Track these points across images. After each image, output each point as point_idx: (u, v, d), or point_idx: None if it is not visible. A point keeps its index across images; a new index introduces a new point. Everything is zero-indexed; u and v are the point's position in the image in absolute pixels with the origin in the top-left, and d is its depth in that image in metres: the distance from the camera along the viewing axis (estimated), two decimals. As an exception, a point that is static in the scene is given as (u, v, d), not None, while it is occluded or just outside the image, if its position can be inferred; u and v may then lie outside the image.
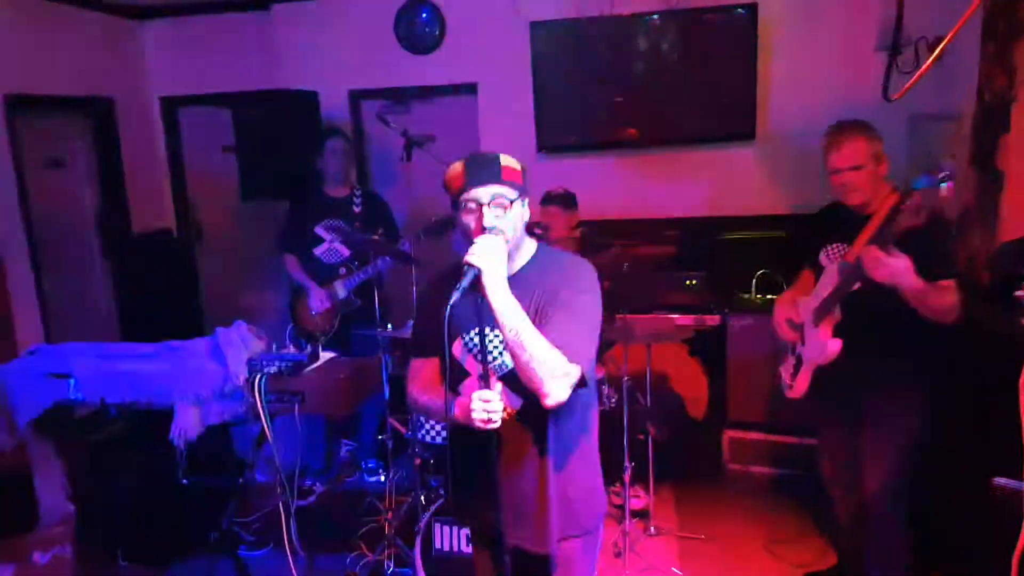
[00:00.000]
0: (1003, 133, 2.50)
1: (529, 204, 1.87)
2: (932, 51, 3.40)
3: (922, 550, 2.87)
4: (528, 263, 1.86)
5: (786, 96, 4.40)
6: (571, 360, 1.69)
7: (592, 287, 1.82)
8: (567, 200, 3.63)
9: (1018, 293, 1.13)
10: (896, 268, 2.15)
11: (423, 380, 1.97)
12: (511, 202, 1.76)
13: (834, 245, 2.56)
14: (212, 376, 2.44)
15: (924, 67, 1.41)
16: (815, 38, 4.32)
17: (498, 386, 1.78)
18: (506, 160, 1.78)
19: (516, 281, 1.77)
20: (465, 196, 1.77)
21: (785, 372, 2.78)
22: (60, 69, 4.59)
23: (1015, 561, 1.19)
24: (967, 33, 2.75)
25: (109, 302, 5.12)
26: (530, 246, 1.89)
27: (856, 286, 2.33)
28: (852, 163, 2.41)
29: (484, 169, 1.77)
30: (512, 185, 1.77)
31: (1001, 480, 1.39)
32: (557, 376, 1.67)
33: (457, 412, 1.81)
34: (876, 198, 2.42)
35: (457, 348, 1.90)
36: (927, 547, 2.92)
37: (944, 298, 2.26)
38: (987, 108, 2.54)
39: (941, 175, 1.95)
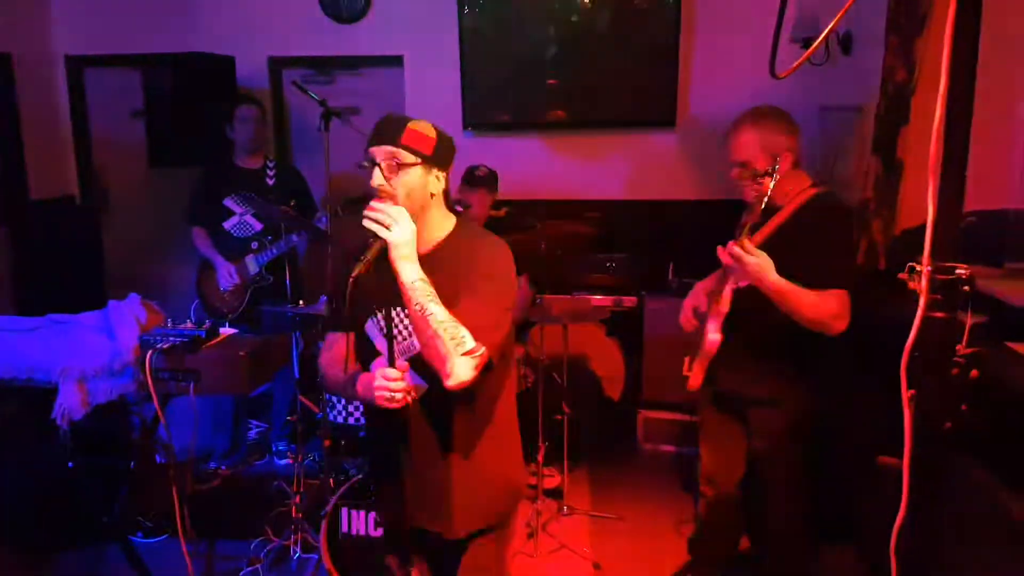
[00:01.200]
0: (903, 124, 2.57)
1: (450, 179, 1.81)
2: (843, 46, 3.51)
3: (814, 526, 2.98)
4: (444, 242, 1.81)
5: (706, 84, 4.47)
6: (476, 340, 1.64)
7: (504, 271, 1.77)
8: (489, 181, 3.58)
9: (900, 276, 1.14)
10: (750, 264, 2.06)
11: (333, 354, 1.92)
12: (401, 165, 1.69)
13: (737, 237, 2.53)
14: (99, 352, 2.29)
15: (812, 48, 1.42)
16: (736, 27, 4.39)
17: (403, 363, 1.73)
18: (417, 124, 1.72)
19: (430, 260, 1.73)
20: (365, 154, 1.73)
21: (687, 361, 2.70)
22: (-53, 19, 4.24)
23: (894, 534, 1.22)
24: (876, 28, 2.83)
25: (4, 272, 4.80)
26: (446, 222, 1.83)
27: (737, 284, 2.24)
28: (739, 158, 2.29)
29: (386, 129, 1.73)
30: (412, 150, 1.70)
31: (885, 458, 1.42)
32: (460, 354, 1.62)
33: (359, 389, 1.77)
34: (781, 193, 2.27)
35: (370, 326, 1.85)
36: (819, 524, 3.03)
37: (818, 307, 2.15)
38: (889, 100, 2.62)
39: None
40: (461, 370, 1.62)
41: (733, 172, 2.31)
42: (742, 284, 2.26)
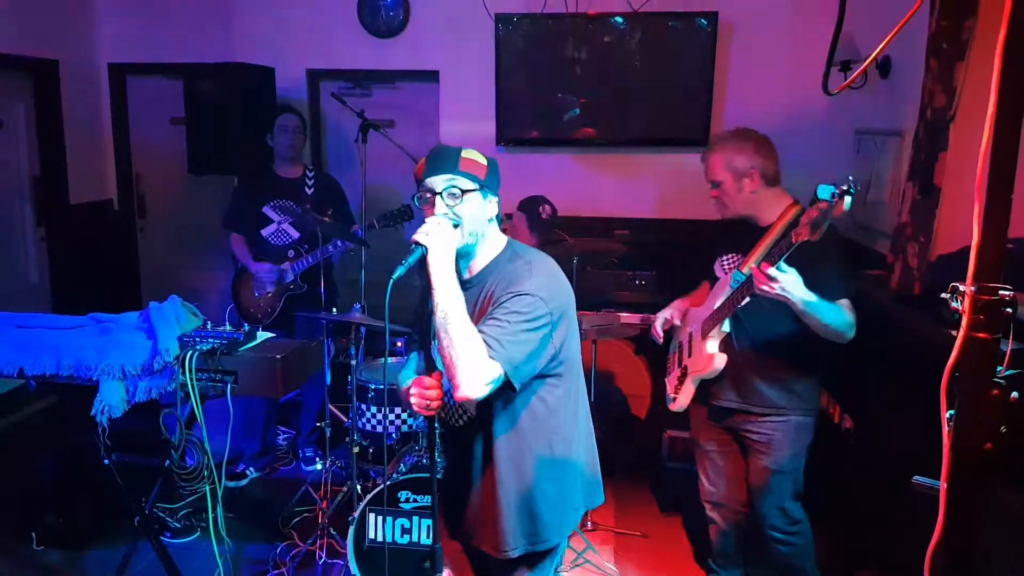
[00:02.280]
0: (942, 151, 2.56)
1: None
2: (881, 70, 3.51)
3: (846, 548, 2.94)
4: (490, 263, 1.83)
5: (740, 106, 4.48)
6: (493, 357, 1.65)
7: (535, 288, 1.72)
8: (549, 227, 3.58)
9: (943, 296, 1.15)
10: (785, 283, 2.07)
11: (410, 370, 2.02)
12: (464, 192, 1.74)
13: (729, 256, 2.53)
14: (140, 351, 2.34)
15: (864, 65, 1.43)
16: (771, 51, 4.41)
17: (437, 373, 1.77)
18: (468, 153, 1.78)
19: (479, 280, 1.81)
20: (422, 186, 1.78)
21: (670, 384, 2.73)
22: (1, 24, 4.38)
23: (928, 558, 1.22)
24: (915, 53, 2.83)
25: (42, 274, 4.92)
26: (498, 242, 1.86)
27: (744, 301, 2.26)
28: (709, 178, 2.44)
29: (441, 159, 1.78)
30: (469, 176, 1.76)
31: (920, 479, 1.41)
32: (471, 368, 1.63)
33: (404, 396, 1.85)
34: (769, 211, 2.38)
35: (435, 350, 1.87)
36: (851, 545, 3.00)
37: (841, 317, 2.21)
38: (928, 125, 2.61)
39: (842, 187, 1.83)
40: (470, 384, 1.63)
41: (710, 192, 2.47)
42: (742, 304, 2.29)
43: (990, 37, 2.34)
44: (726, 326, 2.40)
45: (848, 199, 1.83)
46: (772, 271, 2.06)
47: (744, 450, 2.60)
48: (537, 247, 3.52)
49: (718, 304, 2.40)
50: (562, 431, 1.86)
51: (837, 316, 2.21)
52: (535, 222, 3.50)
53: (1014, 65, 0.95)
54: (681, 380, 2.63)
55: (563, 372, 1.83)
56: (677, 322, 2.71)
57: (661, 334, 2.72)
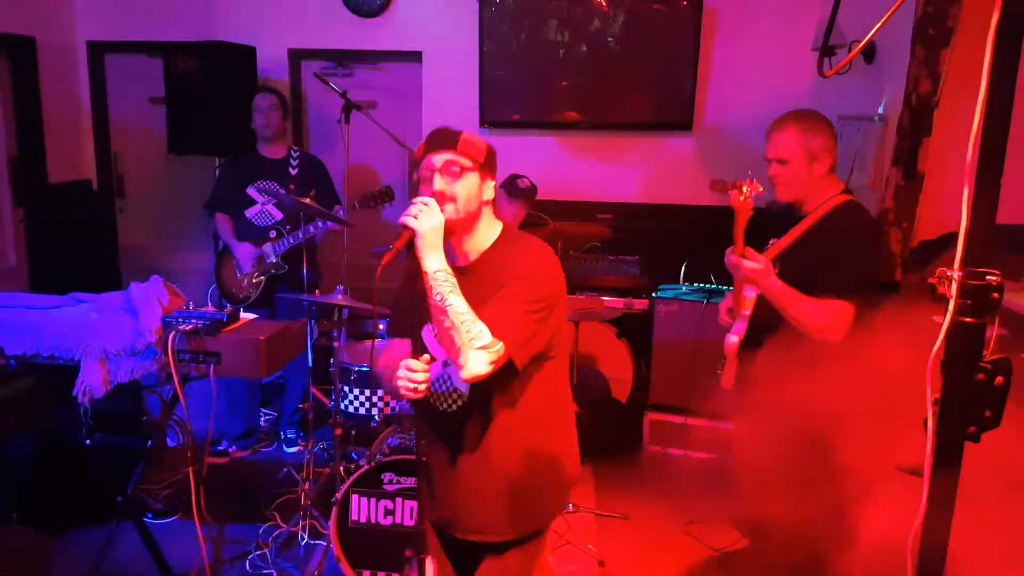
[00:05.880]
0: (925, 137, 2.58)
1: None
2: (866, 56, 3.52)
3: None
4: (491, 249, 1.83)
5: (724, 91, 4.50)
6: (496, 338, 1.65)
7: (539, 271, 1.75)
8: (530, 195, 3.59)
9: (931, 280, 1.16)
10: (747, 271, 2.14)
11: (387, 354, 1.96)
12: (462, 170, 1.75)
13: (773, 241, 2.47)
14: (122, 331, 2.31)
15: (857, 49, 1.43)
16: (755, 36, 4.41)
17: (425, 357, 1.74)
18: (469, 136, 1.79)
19: (477, 267, 1.80)
20: (422, 164, 1.78)
21: (720, 364, 2.71)
22: (-25, 1, 4.28)
23: (910, 541, 1.24)
24: (899, 40, 2.85)
25: (19, 255, 4.83)
26: (493, 228, 1.85)
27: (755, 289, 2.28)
28: (777, 155, 2.29)
29: (442, 138, 1.79)
30: (468, 156, 1.77)
31: (904, 466, 1.44)
32: (475, 347, 1.63)
33: (385, 380, 1.84)
34: (813, 197, 2.29)
35: (426, 333, 1.88)
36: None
37: (811, 315, 2.15)
38: (912, 111, 2.63)
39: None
40: (474, 364, 1.63)
41: (771, 169, 2.31)
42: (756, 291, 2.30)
43: (975, 23, 2.35)
44: (748, 310, 2.38)
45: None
46: (732, 258, 2.17)
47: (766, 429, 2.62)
48: (520, 218, 3.55)
49: (738, 288, 2.41)
50: (555, 412, 1.90)
51: (809, 315, 2.17)
52: (514, 191, 3.51)
53: (1005, 50, 0.96)
54: (723, 361, 2.63)
55: (556, 355, 1.85)
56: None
57: (729, 321, 2.67)
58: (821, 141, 2.25)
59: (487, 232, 1.84)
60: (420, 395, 1.73)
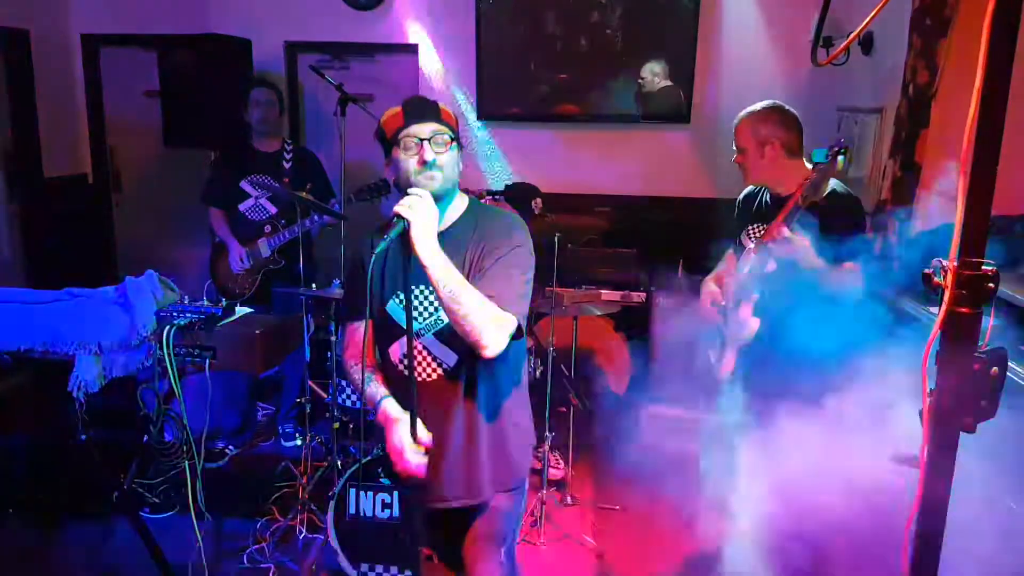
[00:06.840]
0: (923, 128, 2.58)
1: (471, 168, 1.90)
2: (863, 46, 3.51)
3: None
4: (460, 218, 1.88)
5: (722, 83, 4.48)
6: (504, 309, 1.73)
7: (524, 241, 1.84)
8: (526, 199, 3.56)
9: (926, 271, 1.15)
10: (794, 248, 2.20)
11: (355, 345, 1.96)
12: (450, 140, 1.78)
13: (755, 226, 2.59)
14: (117, 326, 2.30)
15: (850, 38, 1.42)
16: (753, 29, 4.39)
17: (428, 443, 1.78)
18: (444, 106, 1.84)
19: (449, 236, 1.81)
20: (404, 133, 1.78)
21: (712, 353, 2.78)
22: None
23: (906, 530, 1.24)
24: (897, 31, 2.83)
25: (15, 250, 4.82)
26: (462, 200, 1.91)
27: (771, 267, 2.34)
28: (736, 145, 2.52)
29: (424, 108, 1.80)
30: (450, 127, 1.80)
31: (896, 455, 1.42)
32: (493, 327, 1.70)
33: (379, 417, 1.84)
34: (789, 181, 2.42)
35: (392, 306, 1.90)
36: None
37: (844, 281, 2.28)
38: (910, 102, 2.62)
39: (834, 148, 1.98)
40: (494, 341, 1.71)
41: (735, 158, 2.54)
42: (770, 268, 2.35)
43: (973, 14, 2.34)
44: (756, 291, 2.46)
45: (841, 158, 1.97)
46: (785, 231, 2.19)
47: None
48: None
49: (747, 270, 2.47)
50: (521, 369, 1.99)
51: (843, 280, 2.29)
52: (527, 217, 3.47)
53: (1001, 40, 0.95)
54: (721, 348, 2.68)
55: None
56: (722, 302, 2.72)
57: (715, 314, 2.72)
58: (769, 127, 2.46)
59: (460, 201, 1.89)
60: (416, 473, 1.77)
